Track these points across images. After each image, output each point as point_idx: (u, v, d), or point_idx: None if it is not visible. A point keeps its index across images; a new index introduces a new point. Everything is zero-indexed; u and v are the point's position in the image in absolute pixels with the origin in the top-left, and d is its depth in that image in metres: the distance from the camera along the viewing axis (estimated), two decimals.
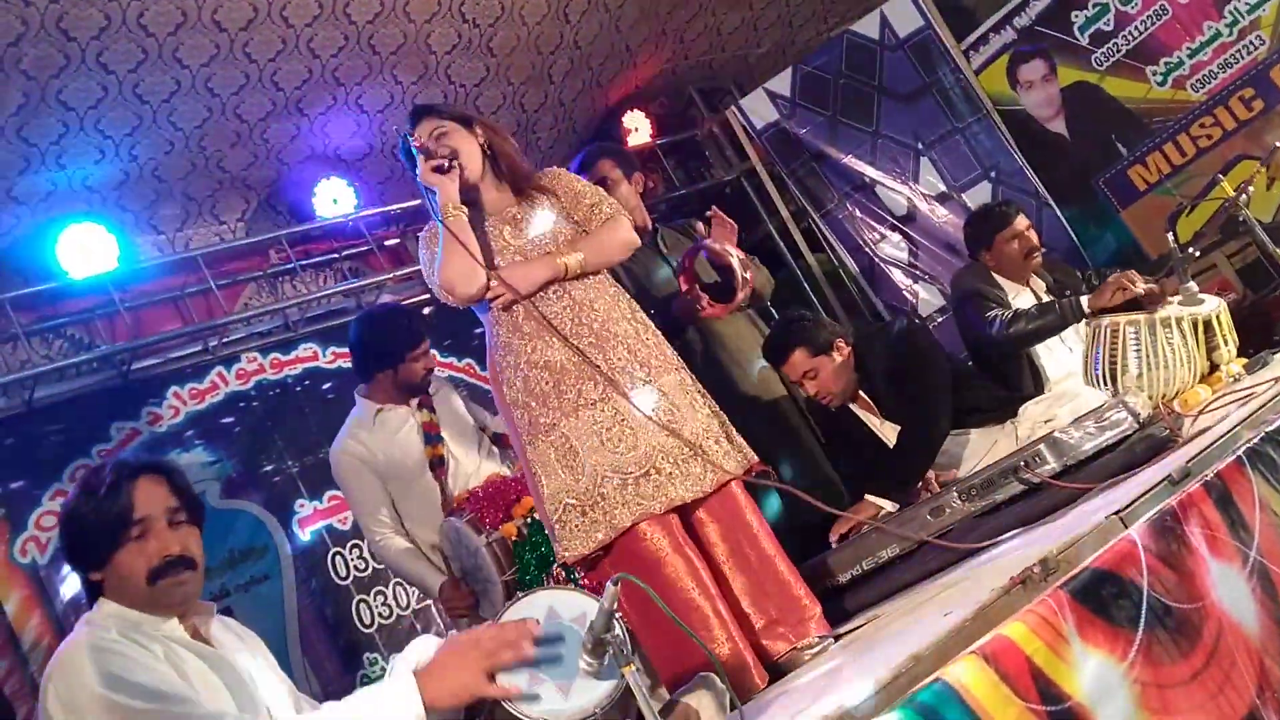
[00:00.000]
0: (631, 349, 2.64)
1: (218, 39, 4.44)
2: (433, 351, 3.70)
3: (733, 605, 2.52)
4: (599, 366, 2.57)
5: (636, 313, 2.74)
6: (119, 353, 4.66)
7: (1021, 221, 4.26)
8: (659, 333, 2.75)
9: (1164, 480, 2.14)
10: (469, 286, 2.59)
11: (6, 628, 4.13)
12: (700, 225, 4.02)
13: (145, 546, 2.02)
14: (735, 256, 3.69)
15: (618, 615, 1.88)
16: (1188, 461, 2.18)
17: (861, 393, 3.58)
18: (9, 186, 4.37)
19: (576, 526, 2.49)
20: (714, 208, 3.76)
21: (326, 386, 5.14)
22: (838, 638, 2.54)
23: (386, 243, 5.63)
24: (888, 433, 3.52)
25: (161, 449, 4.64)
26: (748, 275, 3.71)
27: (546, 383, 2.57)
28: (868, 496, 3.40)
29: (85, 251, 4.56)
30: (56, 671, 1.91)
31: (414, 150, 2.62)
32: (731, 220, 3.74)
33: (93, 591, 2.07)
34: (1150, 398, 3.10)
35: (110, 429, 4.61)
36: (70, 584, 4.26)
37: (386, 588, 4.85)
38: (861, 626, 2.58)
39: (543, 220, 2.73)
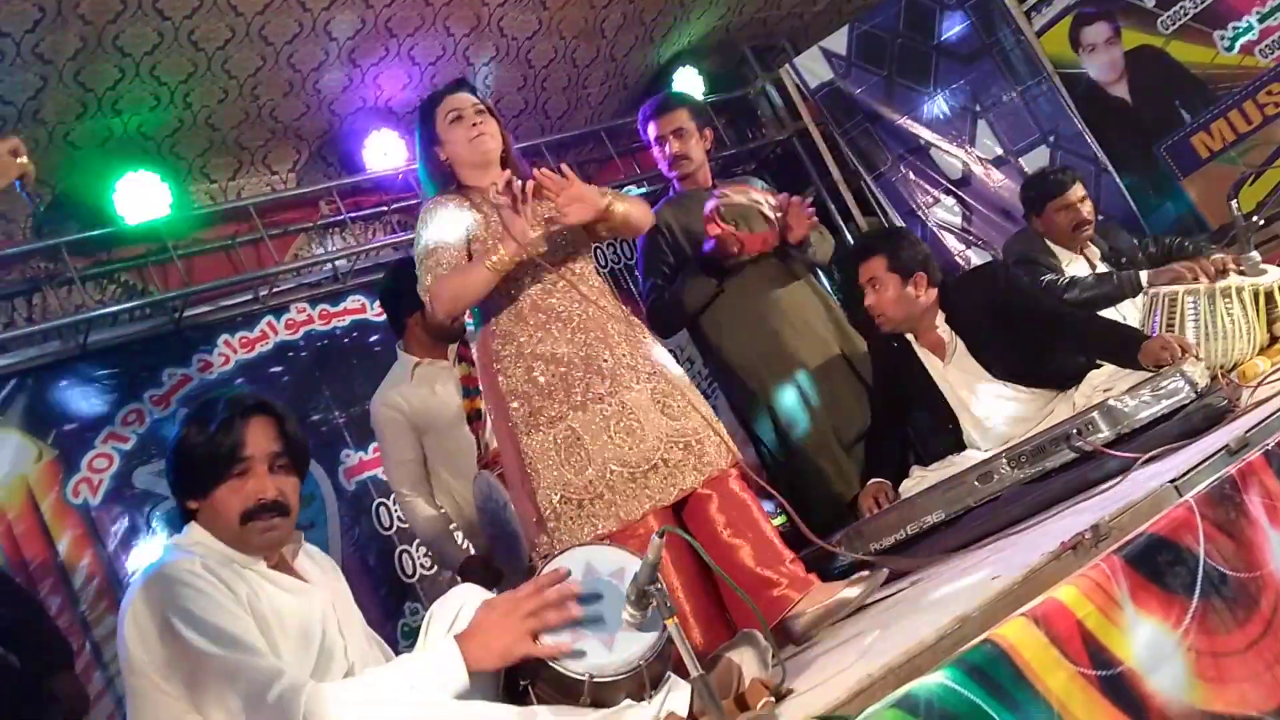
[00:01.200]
0: (634, 346, 2.69)
1: None
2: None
3: (744, 574, 2.54)
4: (606, 361, 2.62)
5: (629, 316, 2.80)
6: (171, 299, 4.70)
7: (1076, 192, 4.18)
8: (647, 336, 2.80)
9: (1222, 449, 2.11)
10: (447, 310, 2.67)
11: (59, 567, 4.22)
12: (758, 182, 3.99)
13: (244, 485, 2.05)
14: (764, 201, 3.66)
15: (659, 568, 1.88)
16: (1247, 431, 2.15)
17: (939, 333, 3.49)
18: (66, 131, 4.40)
19: (573, 519, 2.53)
20: (794, 197, 3.75)
21: (374, 339, 5.16)
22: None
23: None
24: (951, 378, 3.44)
25: (213, 398, 4.68)
26: (776, 216, 3.67)
27: (554, 375, 2.60)
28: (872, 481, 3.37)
29: (140, 198, 4.59)
30: (139, 594, 1.93)
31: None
32: (810, 209, 3.71)
33: (185, 516, 2.11)
34: (1208, 368, 3.04)
35: (162, 375, 4.66)
36: (120, 525, 4.35)
37: None
38: (903, 590, 2.57)
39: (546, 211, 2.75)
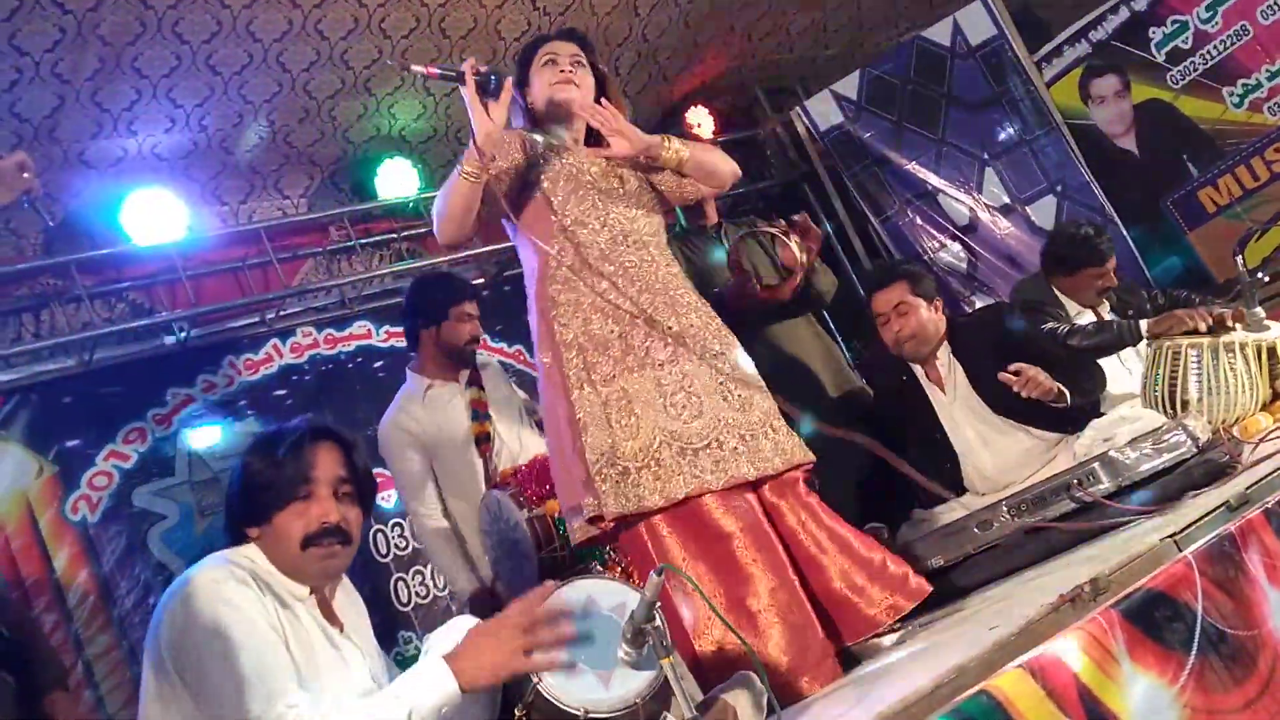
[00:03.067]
0: (703, 319, 2.56)
1: (291, 15, 4.48)
2: (482, 333, 3.73)
3: (819, 587, 2.40)
4: (671, 327, 2.47)
5: (700, 295, 2.67)
6: (178, 319, 4.73)
7: (1112, 262, 4.21)
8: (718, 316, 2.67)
9: (1222, 505, 2.10)
10: (440, 227, 2.53)
11: (54, 584, 4.21)
12: (762, 221, 4.01)
13: (307, 509, 2.02)
14: (795, 244, 3.66)
15: (658, 606, 1.88)
16: (1247, 488, 2.15)
17: (940, 365, 3.49)
18: (81, 150, 4.44)
19: (618, 485, 2.34)
20: (804, 215, 3.75)
21: (378, 365, 5.18)
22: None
23: None
24: (955, 414, 3.44)
25: (213, 417, 4.71)
26: (803, 258, 3.68)
27: (612, 332, 2.45)
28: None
29: (151, 218, 4.62)
30: (183, 592, 1.90)
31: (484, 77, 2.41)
32: (818, 229, 3.72)
33: (236, 539, 2.06)
34: (1210, 422, 3.04)
35: (166, 394, 4.67)
36: (117, 544, 4.34)
37: (425, 568, 4.88)
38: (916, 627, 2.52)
39: (631, 175, 2.67)
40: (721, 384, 2.47)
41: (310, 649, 1.98)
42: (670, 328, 2.47)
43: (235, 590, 1.90)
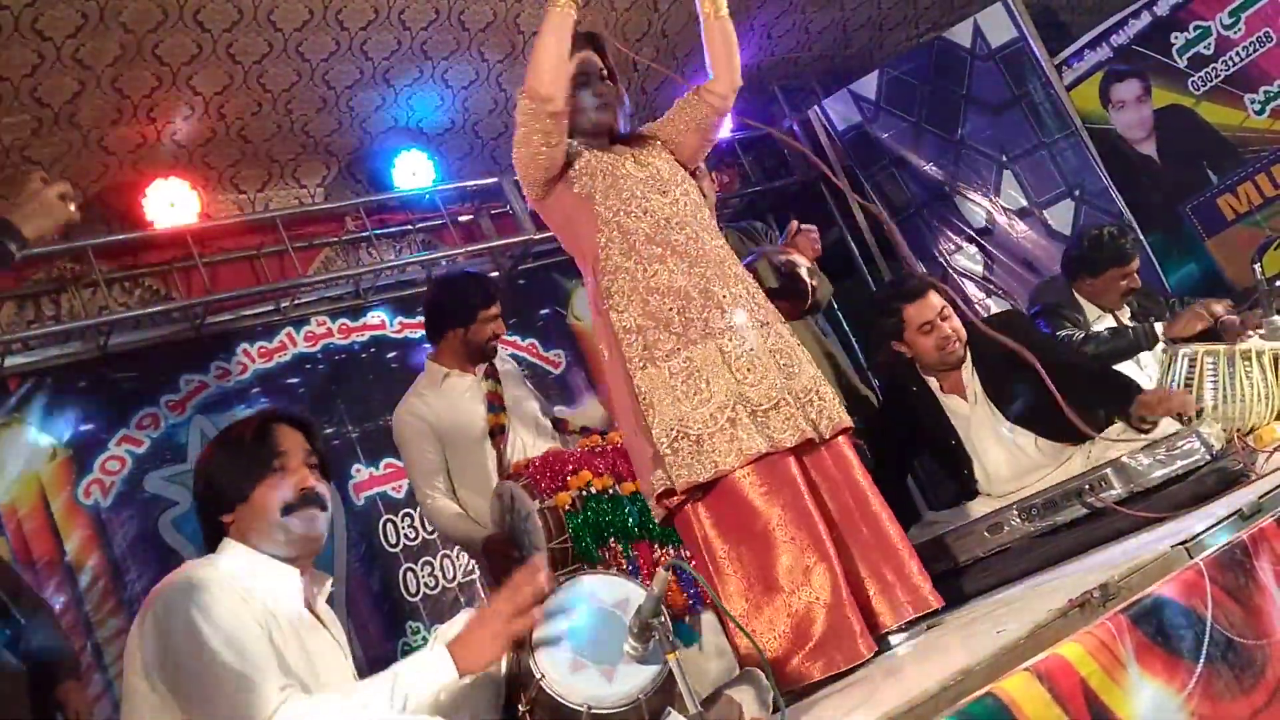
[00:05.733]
0: (750, 290, 2.62)
1: (312, 5, 4.49)
2: (504, 331, 3.76)
3: (846, 568, 2.42)
4: (725, 298, 2.53)
5: (741, 264, 2.72)
6: (194, 306, 4.74)
7: (1136, 262, 4.19)
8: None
9: (1234, 514, 2.09)
10: (550, 85, 2.49)
11: (66, 566, 4.23)
12: (760, 226, 4.01)
13: (284, 480, 2.09)
14: (804, 264, 3.68)
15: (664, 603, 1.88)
16: (1260, 497, 2.14)
17: (964, 374, 3.48)
18: (100, 135, 4.46)
19: (690, 455, 2.39)
20: (794, 222, 3.74)
21: (391, 355, 5.19)
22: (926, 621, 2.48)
23: (460, 218, 5.66)
24: (974, 421, 3.42)
25: (227, 404, 4.72)
26: (815, 282, 3.70)
27: (670, 308, 2.50)
28: None
29: (168, 205, 4.65)
30: (162, 595, 1.94)
31: None
32: (815, 233, 3.71)
33: (216, 537, 2.12)
34: (1224, 430, 3.03)
35: (179, 380, 4.70)
36: (128, 528, 4.37)
37: (434, 558, 4.89)
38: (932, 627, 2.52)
39: (661, 159, 2.72)
40: (772, 351, 2.54)
41: (299, 636, 2.01)
42: (724, 298, 2.53)
43: (212, 594, 1.92)
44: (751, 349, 2.49)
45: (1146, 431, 2.95)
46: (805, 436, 2.44)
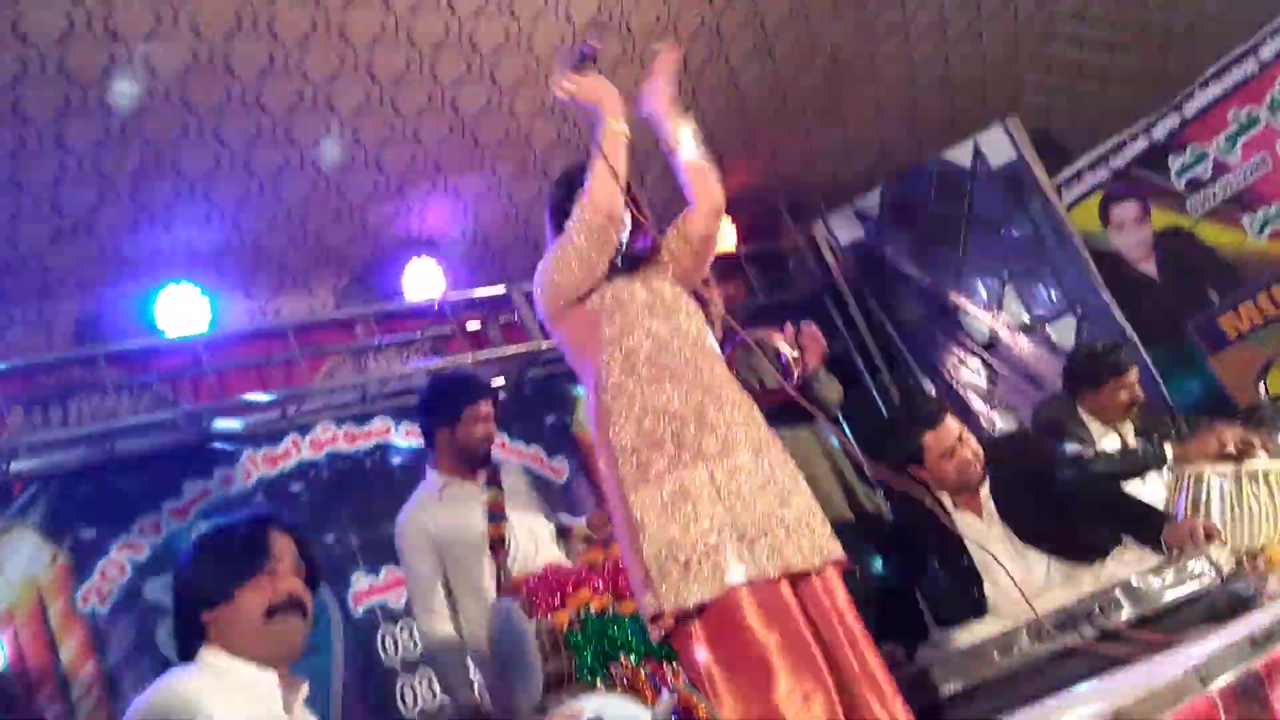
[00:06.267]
0: (747, 416, 2.62)
1: (329, 120, 4.62)
2: (496, 434, 3.72)
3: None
4: (719, 423, 2.53)
5: (742, 389, 2.72)
6: (201, 412, 4.76)
7: (1134, 373, 4.21)
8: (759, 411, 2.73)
9: (1246, 639, 2.07)
10: (616, 205, 2.55)
11: (59, 675, 4.17)
12: (777, 332, 4.04)
13: (272, 583, 2.09)
14: (782, 342, 3.68)
15: None
16: (1273, 622, 2.11)
17: (983, 492, 3.48)
18: (118, 244, 4.54)
19: (678, 579, 2.38)
20: (804, 323, 3.76)
21: (396, 462, 5.18)
22: None
23: (469, 326, 5.72)
24: (984, 539, 3.39)
25: (229, 510, 4.68)
26: (796, 355, 3.69)
27: (664, 429, 2.51)
28: None
29: (180, 312, 4.70)
30: (145, 709, 1.94)
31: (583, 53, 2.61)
32: (821, 336, 3.73)
33: (193, 641, 2.10)
34: (1234, 552, 3.00)
35: (183, 487, 4.68)
36: (125, 637, 4.31)
37: (433, 672, 4.80)
38: None
39: (667, 283, 2.75)
40: (765, 479, 2.53)
41: None
42: (719, 423, 2.54)
43: (200, 697, 1.91)
44: (743, 476, 2.49)
45: (1174, 560, 2.92)
46: (793, 568, 2.43)
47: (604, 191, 2.56)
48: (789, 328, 3.98)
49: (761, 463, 2.55)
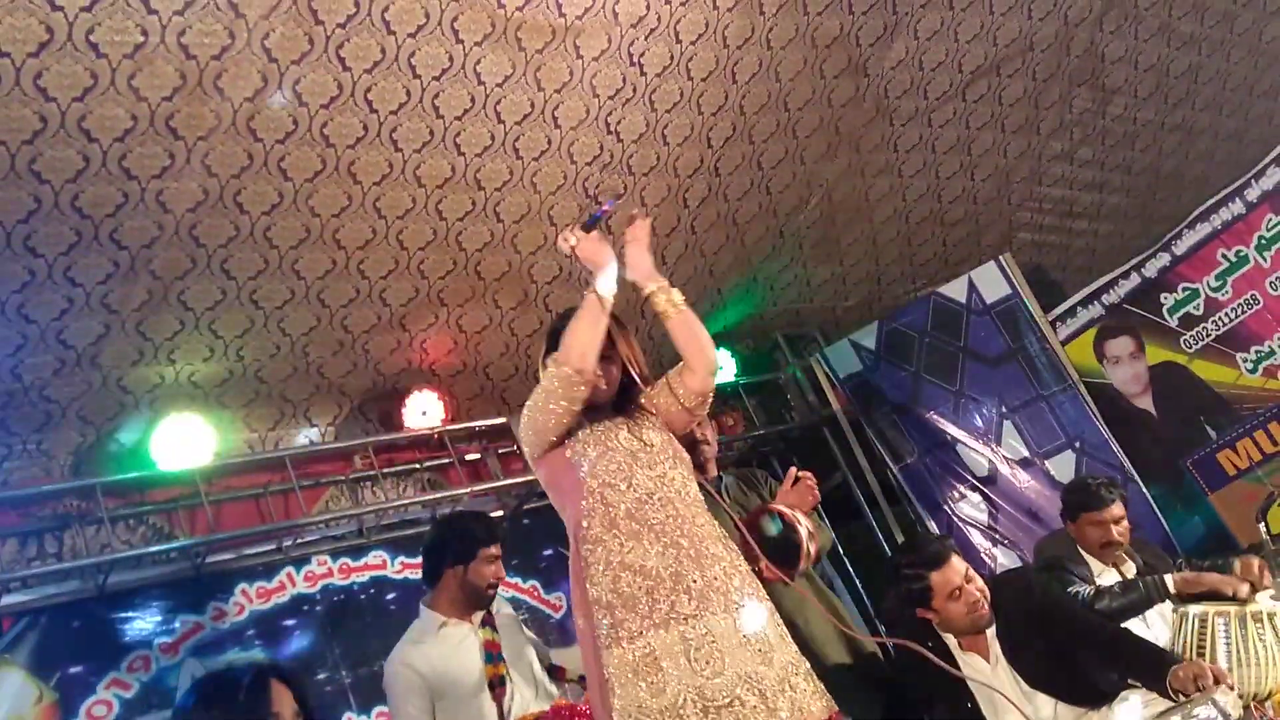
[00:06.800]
0: (727, 572, 2.62)
1: (335, 255, 4.70)
2: (504, 576, 3.70)
3: None
4: (695, 582, 2.54)
5: (729, 540, 2.73)
6: (196, 545, 4.73)
7: (1113, 511, 4.15)
8: (745, 563, 2.72)
9: None
10: (587, 361, 2.62)
11: None
12: (761, 473, 4.03)
13: None
14: (804, 526, 3.68)
15: None
16: None
17: (990, 637, 3.43)
18: (120, 375, 4.57)
19: None
20: (799, 472, 3.78)
21: (390, 597, 5.12)
22: None
23: (468, 457, 5.72)
24: (990, 681, 3.33)
25: (220, 647, 4.63)
26: (813, 547, 3.69)
27: (639, 588, 2.52)
28: None
29: (179, 443, 4.70)
30: None
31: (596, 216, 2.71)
32: (812, 480, 3.74)
33: None
34: (1240, 697, 2.95)
35: (175, 621, 4.63)
36: None
37: None
38: None
39: (654, 431, 2.79)
40: (744, 637, 2.52)
41: None
42: (694, 582, 2.54)
43: None
44: (714, 640, 2.49)
45: (1180, 705, 2.87)
46: None
47: (576, 347, 2.63)
48: (791, 473, 3.96)
49: (740, 621, 2.54)
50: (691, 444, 3.88)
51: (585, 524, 2.62)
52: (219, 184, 4.23)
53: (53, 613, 4.40)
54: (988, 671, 3.36)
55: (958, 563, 3.45)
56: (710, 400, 2.91)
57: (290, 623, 4.89)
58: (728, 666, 2.46)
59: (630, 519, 2.59)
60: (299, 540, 5.07)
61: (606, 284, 2.67)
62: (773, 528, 3.68)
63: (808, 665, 2.61)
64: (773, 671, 2.51)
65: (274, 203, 4.40)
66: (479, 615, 3.63)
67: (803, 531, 3.58)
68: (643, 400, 2.89)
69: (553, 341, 2.85)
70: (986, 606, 3.40)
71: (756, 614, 2.59)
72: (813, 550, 3.59)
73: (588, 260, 2.70)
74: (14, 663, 4.25)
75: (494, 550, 3.61)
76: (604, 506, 2.62)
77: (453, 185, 4.77)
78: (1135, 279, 5.76)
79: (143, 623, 4.55)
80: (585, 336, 2.63)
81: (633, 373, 2.84)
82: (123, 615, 4.54)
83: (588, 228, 2.72)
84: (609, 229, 2.85)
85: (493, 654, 3.54)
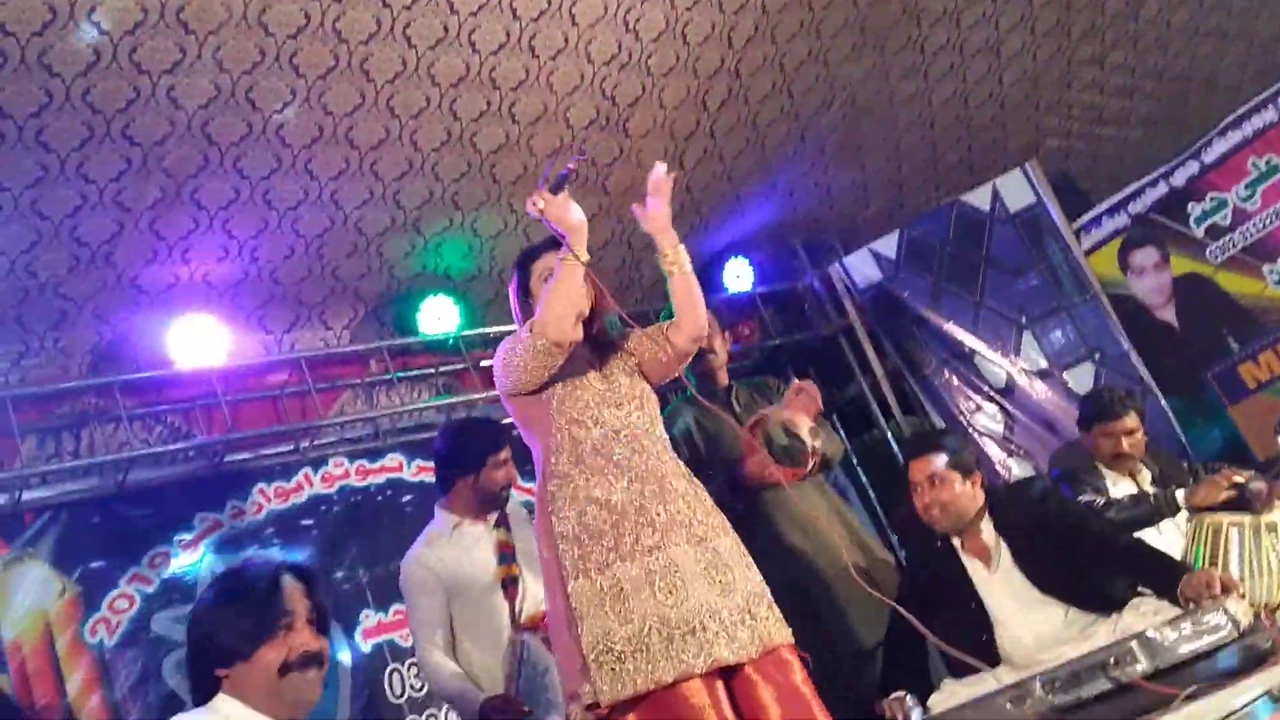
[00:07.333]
0: (690, 505, 2.70)
1: (349, 155, 4.64)
2: (516, 478, 3.71)
3: None
4: (659, 516, 2.62)
5: (692, 477, 2.81)
6: (214, 444, 4.77)
7: (1125, 423, 4.13)
8: (709, 497, 2.80)
9: (1263, 695, 2.03)
10: (565, 331, 2.63)
11: (65, 708, 4.15)
12: (774, 382, 4.02)
13: (288, 639, 2.10)
14: (805, 425, 3.69)
15: None
16: None
17: (985, 538, 3.43)
18: (135, 275, 4.56)
19: (612, 671, 2.48)
20: (800, 382, 3.78)
21: (406, 499, 5.17)
22: None
23: (482, 363, 5.71)
24: (995, 587, 3.35)
25: (239, 545, 4.70)
26: (816, 444, 3.70)
27: (604, 521, 2.60)
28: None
29: (196, 343, 4.71)
30: None
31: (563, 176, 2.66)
32: (815, 390, 3.74)
33: (207, 689, 2.11)
34: (1251, 605, 2.95)
35: (194, 519, 4.68)
36: (131, 670, 4.29)
37: (439, 711, 4.76)
38: None
39: (624, 372, 2.84)
40: (705, 569, 2.61)
41: None
42: (658, 515, 2.63)
43: None
44: (677, 571, 2.56)
45: (1191, 613, 2.87)
46: (722, 662, 2.51)
47: (554, 318, 2.63)
48: (795, 384, 3.96)
49: (703, 553, 2.62)
50: (699, 354, 3.89)
51: (553, 460, 2.71)
52: (230, 80, 4.16)
53: (73, 509, 4.46)
54: (985, 576, 3.38)
55: (930, 462, 3.43)
56: (687, 362, 2.96)
57: (308, 522, 4.95)
58: (691, 595, 2.54)
59: (596, 454, 2.67)
60: (316, 442, 5.10)
61: (581, 250, 2.65)
62: (775, 432, 3.70)
63: (770, 596, 2.69)
64: (733, 601, 2.59)
65: (286, 100, 4.34)
66: (493, 515, 3.66)
67: (804, 433, 3.60)
68: (626, 344, 2.92)
69: (523, 273, 2.92)
70: (937, 514, 3.40)
71: (724, 545, 2.68)
72: (816, 450, 3.62)
73: (557, 221, 2.65)
74: (37, 557, 4.32)
75: (502, 456, 3.63)
76: (571, 443, 2.70)
77: (467, 84, 4.69)
78: (1163, 188, 5.64)
79: (163, 519, 4.61)
80: (563, 306, 2.64)
81: (604, 319, 2.89)
82: (142, 512, 4.59)
83: (555, 189, 2.65)
84: (605, 189, 2.81)
85: (506, 554, 3.58)
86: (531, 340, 2.65)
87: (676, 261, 2.81)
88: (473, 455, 3.63)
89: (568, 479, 2.67)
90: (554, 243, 2.83)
